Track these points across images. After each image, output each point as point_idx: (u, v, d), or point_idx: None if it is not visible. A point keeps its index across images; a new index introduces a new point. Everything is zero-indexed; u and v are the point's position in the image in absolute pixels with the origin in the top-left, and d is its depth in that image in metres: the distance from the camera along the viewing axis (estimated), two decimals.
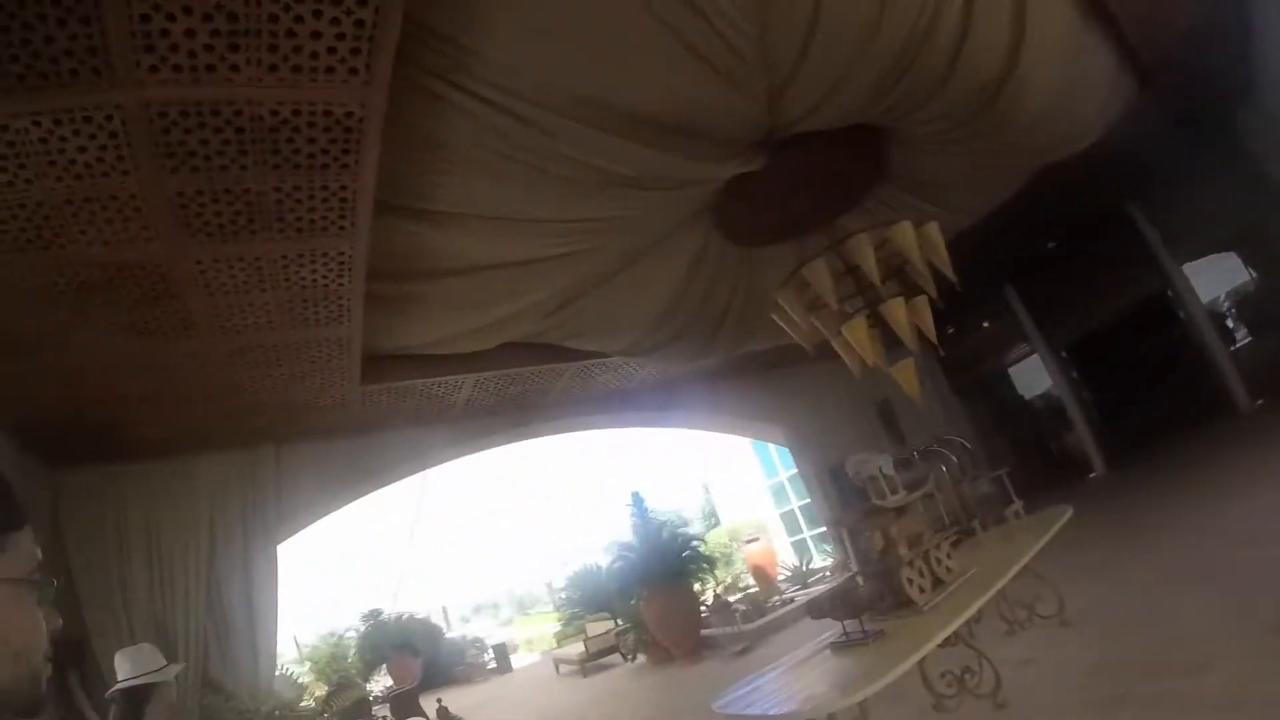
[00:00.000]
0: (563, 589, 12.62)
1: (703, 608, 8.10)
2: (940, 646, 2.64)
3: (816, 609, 2.96)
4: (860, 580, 3.29)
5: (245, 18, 2.06)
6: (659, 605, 7.70)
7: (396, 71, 2.46)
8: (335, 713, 6.46)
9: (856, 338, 4.30)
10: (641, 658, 8.44)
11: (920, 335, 4.28)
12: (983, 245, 5.70)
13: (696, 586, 8.61)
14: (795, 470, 9.82)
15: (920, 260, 3.90)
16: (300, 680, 7.46)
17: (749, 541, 12.08)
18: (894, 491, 3.27)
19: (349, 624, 11.75)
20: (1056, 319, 8.78)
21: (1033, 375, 10.49)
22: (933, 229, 3.98)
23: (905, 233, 3.94)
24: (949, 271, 4.00)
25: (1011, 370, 10.69)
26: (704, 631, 7.68)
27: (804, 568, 9.90)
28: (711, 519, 18.41)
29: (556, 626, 13.46)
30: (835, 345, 4.58)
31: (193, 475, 4.74)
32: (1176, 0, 4.08)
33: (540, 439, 7.54)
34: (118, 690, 2.51)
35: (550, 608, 16.48)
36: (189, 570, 4.45)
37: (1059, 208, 6.48)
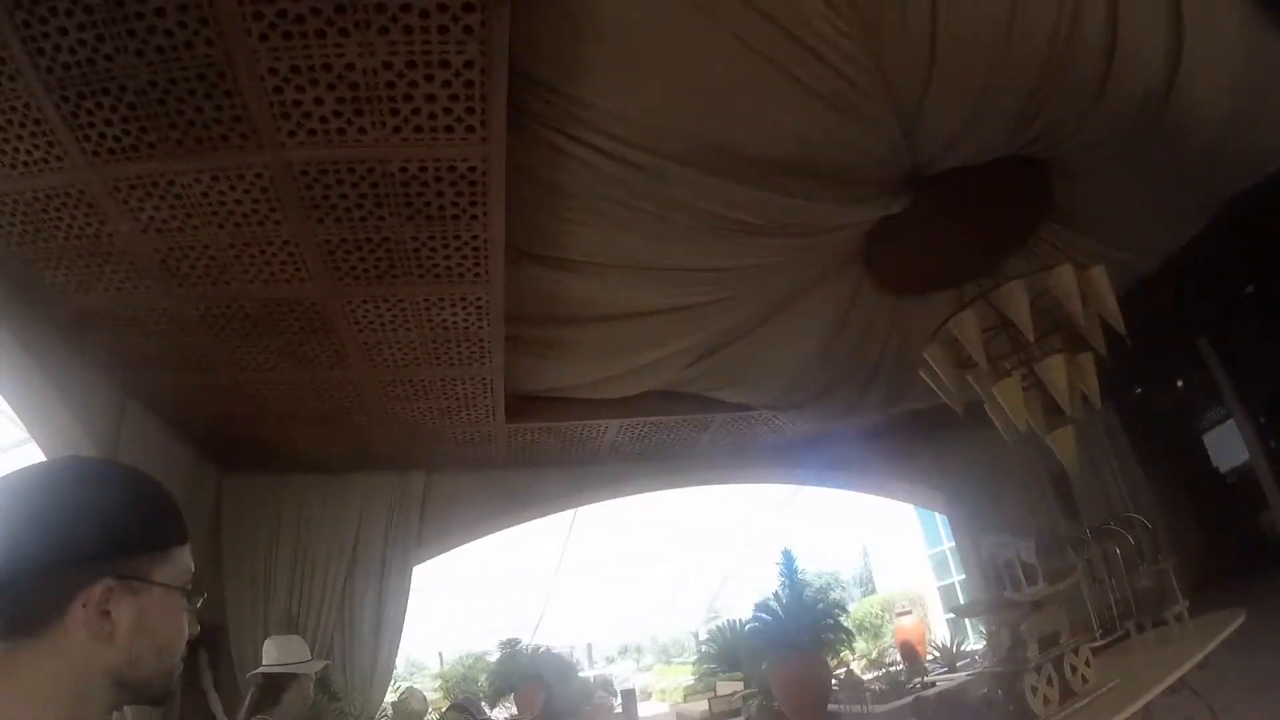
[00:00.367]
0: (703, 642, 12.26)
1: (835, 681, 7.42)
2: None
3: (921, 712, 2.57)
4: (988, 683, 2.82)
5: (365, 85, 2.30)
6: (787, 674, 7.09)
7: (516, 125, 2.60)
8: None
9: (1009, 400, 3.80)
10: None
11: (1085, 399, 3.68)
12: (1176, 291, 4.83)
13: (832, 660, 7.93)
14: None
15: (1080, 311, 3.37)
16: (429, 694, 7.81)
17: (901, 614, 11.02)
18: (1032, 582, 2.80)
19: (487, 648, 12.24)
20: (1253, 376, 7.16)
21: (1229, 443, 8.60)
22: (1098, 273, 3.44)
23: (1065, 278, 3.44)
24: (1117, 323, 3.41)
25: (1206, 437, 8.85)
26: (831, 707, 7.02)
27: (954, 649, 8.77)
28: (867, 585, 17.11)
29: (690, 680, 13.07)
30: (988, 408, 4.08)
31: (345, 491, 5.23)
32: None
33: (697, 487, 7.43)
34: (260, 673, 2.62)
35: (691, 659, 16.07)
36: (328, 577, 4.90)
37: (1253, 245, 5.35)
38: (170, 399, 4.14)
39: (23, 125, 2.32)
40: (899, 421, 6.74)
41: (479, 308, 3.61)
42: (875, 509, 13.82)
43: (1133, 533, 4.07)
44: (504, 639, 12.37)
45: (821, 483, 8.07)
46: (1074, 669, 2.62)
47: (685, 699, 11.33)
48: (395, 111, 2.43)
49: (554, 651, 13.07)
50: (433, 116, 2.47)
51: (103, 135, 2.39)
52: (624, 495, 6.87)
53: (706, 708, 8.99)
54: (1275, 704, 3.48)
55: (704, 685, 11.50)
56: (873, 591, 14.58)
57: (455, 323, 3.73)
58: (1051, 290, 3.54)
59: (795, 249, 3.78)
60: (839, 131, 3.04)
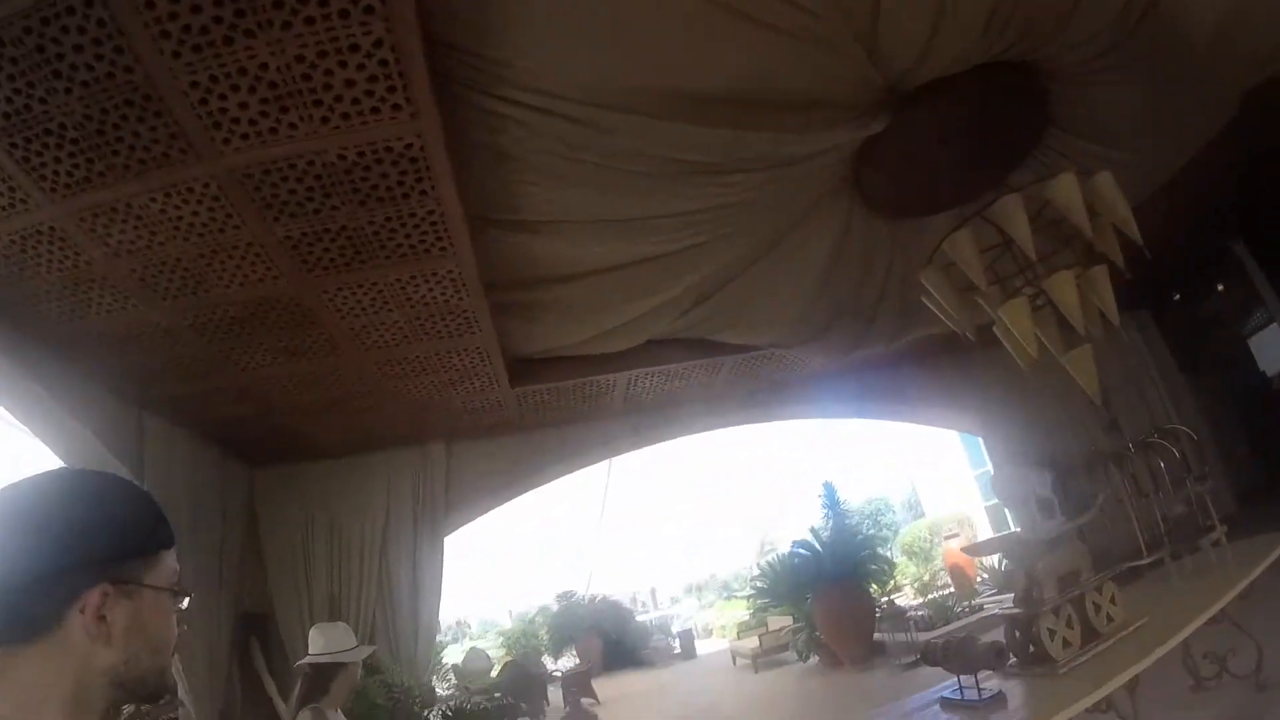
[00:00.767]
0: (756, 578, 12.48)
1: (877, 611, 7.48)
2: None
3: (929, 655, 2.52)
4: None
5: (284, 82, 2.25)
6: (829, 606, 7.27)
7: (448, 94, 2.52)
8: (491, 684, 6.96)
9: (1016, 322, 3.60)
10: (814, 658, 8.04)
11: (1102, 315, 3.45)
12: (1209, 193, 4.43)
13: (876, 590, 7.97)
14: None
15: (1086, 221, 3.12)
16: (494, 652, 8.23)
17: (948, 537, 10.93)
18: (1050, 517, 2.67)
19: (547, 603, 12.77)
20: None
21: (1277, 347, 8.00)
22: (1104, 179, 3.17)
23: (1065, 187, 3.18)
24: (1131, 230, 3.16)
25: (1251, 341, 8.27)
26: (876, 636, 7.10)
27: (1003, 567, 8.68)
28: (916, 509, 17.05)
29: (745, 615, 13.36)
30: (997, 332, 3.89)
31: (370, 470, 5.41)
32: None
33: (726, 429, 7.35)
34: (307, 663, 2.59)
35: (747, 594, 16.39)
36: (364, 556, 5.12)
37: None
38: (185, 407, 4.30)
39: None
40: (925, 346, 6.52)
41: (453, 280, 3.60)
42: (919, 436, 13.65)
43: (1178, 445, 3.88)
44: (560, 592, 12.94)
45: (848, 414, 7.93)
46: (1098, 607, 2.49)
47: (739, 635, 11.66)
48: (319, 103, 2.37)
49: (610, 599, 13.62)
50: (356, 101, 2.40)
51: (55, 172, 2.46)
52: (650, 444, 6.86)
53: (757, 644, 9.23)
54: None
55: (756, 621, 11.77)
56: (921, 515, 14.47)
57: (434, 298, 3.73)
58: (1055, 200, 3.29)
59: (771, 183, 3.58)
60: (800, 60, 2.83)
